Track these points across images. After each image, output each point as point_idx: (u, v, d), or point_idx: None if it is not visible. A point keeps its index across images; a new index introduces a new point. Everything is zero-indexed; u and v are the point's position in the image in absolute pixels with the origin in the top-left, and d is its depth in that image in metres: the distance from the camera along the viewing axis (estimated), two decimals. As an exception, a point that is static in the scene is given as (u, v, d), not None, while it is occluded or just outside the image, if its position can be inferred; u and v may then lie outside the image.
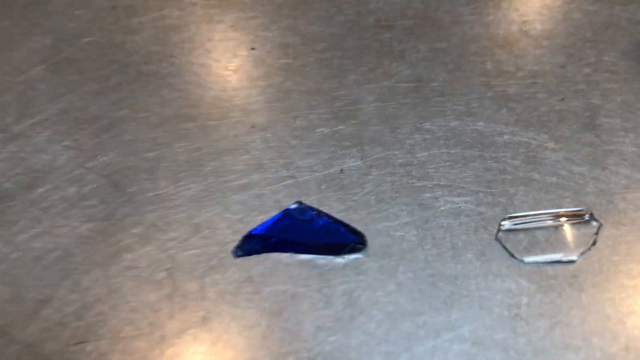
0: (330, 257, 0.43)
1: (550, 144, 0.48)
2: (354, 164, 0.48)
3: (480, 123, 0.49)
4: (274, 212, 0.45)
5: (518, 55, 0.54)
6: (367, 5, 0.59)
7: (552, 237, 0.43)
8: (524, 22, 0.56)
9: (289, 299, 0.41)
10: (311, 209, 0.44)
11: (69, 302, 0.42)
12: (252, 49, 0.56)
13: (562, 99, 0.50)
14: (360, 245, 0.43)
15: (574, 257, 0.42)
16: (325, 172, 0.47)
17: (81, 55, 0.57)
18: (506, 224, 0.43)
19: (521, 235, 0.43)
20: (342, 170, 0.47)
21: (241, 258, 0.43)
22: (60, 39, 0.58)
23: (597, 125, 0.49)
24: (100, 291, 0.42)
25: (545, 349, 0.38)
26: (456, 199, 0.45)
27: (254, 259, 0.43)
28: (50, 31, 0.59)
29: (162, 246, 0.44)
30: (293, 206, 0.44)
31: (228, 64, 0.55)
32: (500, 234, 0.43)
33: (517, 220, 0.43)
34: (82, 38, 0.58)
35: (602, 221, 0.43)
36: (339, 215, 0.45)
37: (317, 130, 0.50)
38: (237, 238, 0.44)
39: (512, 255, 0.42)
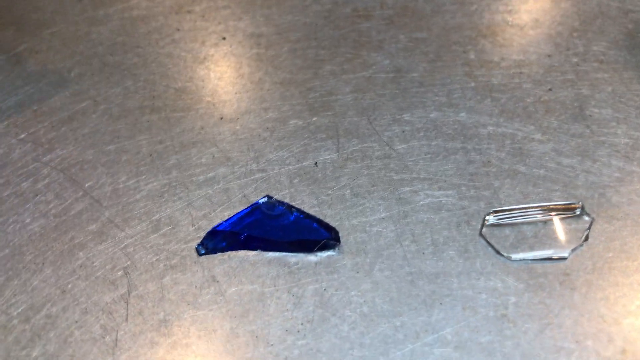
0: (301, 255, 0.39)
1: (537, 135, 0.45)
2: (329, 156, 0.45)
3: (463, 114, 0.46)
4: (241, 208, 0.42)
5: (502, 45, 0.51)
6: (345, -5, 0.56)
7: (541, 233, 0.40)
8: (509, 11, 0.53)
9: (256, 300, 0.38)
10: (281, 203, 0.41)
11: (16, 304, 0.38)
12: (223, 38, 0.53)
13: (550, 89, 0.48)
14: (333, 242, 0.39)
15: (564, 254, 0.39)
16: (298, 165, 0.44)
17: (43, 46, 0.54)
18: (491, 219, 0.40)
19: (507, 231, 0.40)
20: (316, 164, 0.44)
21: (204, 256, 0.40)
22: (22, 30, 0.55)
23: (587, 116, 0.46)
24: (50, 292, 0.39)
25: (535, 352, 0.35)
26: (437, 193, 0.42)
27: (219, 257, 0.40)
28: (12, 22, 0.56)
29: (119, 244, 0.40)
30: (262, 200, 0.41)
31: (197, 54, 0.52)
32: (484, 229, 0.40)
33: (502, 215, 0.40)
34: (45, 29, 0.55)
35: (594, 216, 0.40)
36: (311, 211, 0.41)
37: (290, 122, 0.47)
38: (200, 235, 0.41)
39: (498, 252, 0.39)
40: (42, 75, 0.51)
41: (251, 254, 0.40)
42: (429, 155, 0.44)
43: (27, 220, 0.42)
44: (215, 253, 0.40)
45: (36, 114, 0.48)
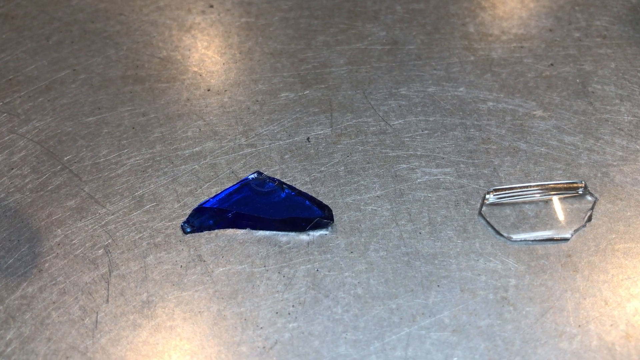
0: (292, 234, 0.38)
1: (539, 112, 0.43)
2: (322, 131, 0.43)
3: (462, 89, 0.44)
4: (229, 184, 0.40)
5: (502, 18, 0.49)
6: (339, -36, 0.53)
7: (542, 213, 0.38)
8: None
9: (244, 280, 0.36)
10: (272, 179, 0.39)
11: (-11, 284, 0.36)
12: (210, 6, 0.50)
13: (551, 65, 0.46)
14: (326, 220, 0.38)
15: (567, 235, 0.37)
16: (290, 140, 0.42)
17: (19, 12, 0.51)
18: (491, 198, 0.39)
19: (507, 210, 0.38)
20: (308, 139, 0.42)
21: (190, 235, 0.38)
22: (-4, -5, 0.52)
23: (589, 93, 0.44)
24: (26, 271, 0.36)
25: (536, 336, 0.34)
26: (434, 170, 0.40)
27: (205, 235, 0.38)
28: (-15, -13, 0.53)
29: (99, 221, 0.38)
30: (251, 176, 0.39)
31: (182, 22, 0.49)
32: (484, 208, 0.38)
33: (502, 194, 0.39)
34: (21, -6, 0.52)
35: (597, 195, 0.39)
36: (304, 188, 0.40)
37: (282, 95, 0.45)
38: (186, 212, 0.39)
39: (498, 232, 0.37)
40: (18, 42, 0.49)
41: (240, 232, 0.38)
42: (426, 132, 0.42)
43: (2, 195, 0.40)
44: (201, 231, 0.38)
45: (12, 83, 0.46)
